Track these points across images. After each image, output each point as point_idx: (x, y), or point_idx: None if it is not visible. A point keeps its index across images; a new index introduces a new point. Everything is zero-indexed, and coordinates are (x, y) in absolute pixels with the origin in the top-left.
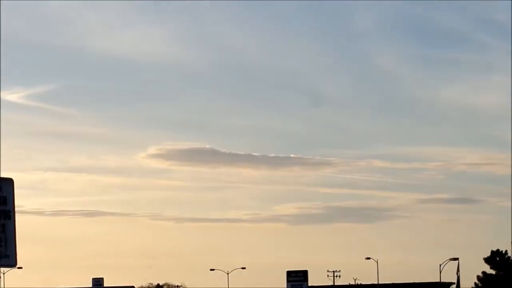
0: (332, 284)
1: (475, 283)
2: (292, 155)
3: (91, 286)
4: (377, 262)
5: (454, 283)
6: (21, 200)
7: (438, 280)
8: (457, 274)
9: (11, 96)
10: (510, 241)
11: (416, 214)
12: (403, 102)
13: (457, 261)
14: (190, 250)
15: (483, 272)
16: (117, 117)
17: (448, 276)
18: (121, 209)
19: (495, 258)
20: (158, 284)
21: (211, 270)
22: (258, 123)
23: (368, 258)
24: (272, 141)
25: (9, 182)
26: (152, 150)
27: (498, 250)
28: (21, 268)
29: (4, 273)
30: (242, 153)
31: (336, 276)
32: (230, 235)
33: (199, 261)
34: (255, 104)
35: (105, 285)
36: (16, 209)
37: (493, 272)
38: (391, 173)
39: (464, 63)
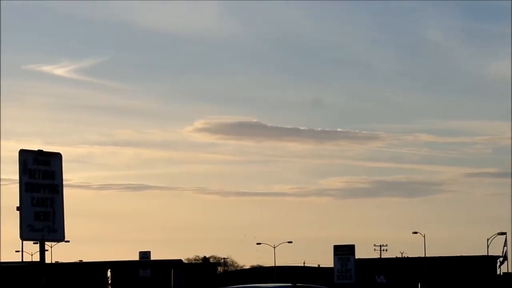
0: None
1: None
2: (339, 129)
3: (138, 259)
4: (424, 236)
5: (501, 257)
6: (68, 174)
7: (485, 254)
8: (504, 248)
9: (59, 70)
10: None
11: (463, 188)
12: (451, 75)
13: (504, 235)
14: (236, 224)
15: None
16: (163, 91)
17: (496, 251)
18: (166, 183)
19: None
20: (205, 257)
21: (258, 244)
22: (305, 97)
23: (415, 233)
24: (319, 115)
25: (57, 156)
26: (199, 124)
27: None
28: (68, 241)
29: (51, 247)
30: (289, 127)
31: (383, 250)
32: (275, 209)
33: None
34: (302, 78)
35: (152, 258)
36: (63, 183)
37: None
38: (438, 147)
39: None
